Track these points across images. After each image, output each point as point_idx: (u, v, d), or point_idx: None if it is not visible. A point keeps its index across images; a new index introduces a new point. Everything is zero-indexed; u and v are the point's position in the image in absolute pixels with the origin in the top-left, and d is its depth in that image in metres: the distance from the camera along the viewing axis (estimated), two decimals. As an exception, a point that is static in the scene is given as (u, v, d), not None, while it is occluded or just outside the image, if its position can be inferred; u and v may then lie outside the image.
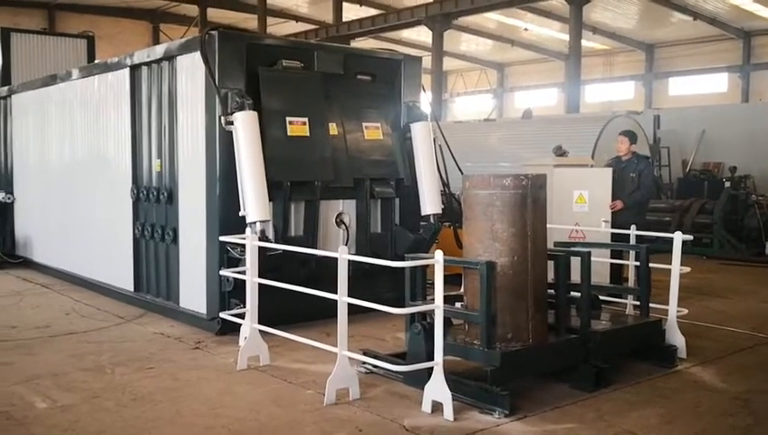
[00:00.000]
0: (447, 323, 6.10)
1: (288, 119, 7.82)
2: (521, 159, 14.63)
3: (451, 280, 7.02)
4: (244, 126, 7.39)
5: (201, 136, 7.87)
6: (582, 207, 9.50)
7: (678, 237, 7.05)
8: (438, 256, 5.37)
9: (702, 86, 33.79)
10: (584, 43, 25.18)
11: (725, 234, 13.95)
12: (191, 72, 8.05)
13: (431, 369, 5.45)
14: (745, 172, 17.24)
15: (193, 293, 8.09)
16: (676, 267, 7.04)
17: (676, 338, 6.91)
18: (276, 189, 7.63)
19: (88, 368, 6.55)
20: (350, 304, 5.66)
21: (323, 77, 8.27)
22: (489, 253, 5.72)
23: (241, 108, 7.43)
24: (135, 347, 7.28)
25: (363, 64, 8.72)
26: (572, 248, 6.61)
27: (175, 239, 8.40)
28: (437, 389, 5.36)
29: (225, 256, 7.56)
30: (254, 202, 7.28)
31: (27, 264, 12.37)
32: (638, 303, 7.61)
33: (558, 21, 30.21)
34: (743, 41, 32.80)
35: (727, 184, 16.59)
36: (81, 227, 10.58)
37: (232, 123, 7.45)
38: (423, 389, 5.59)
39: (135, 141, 9.11)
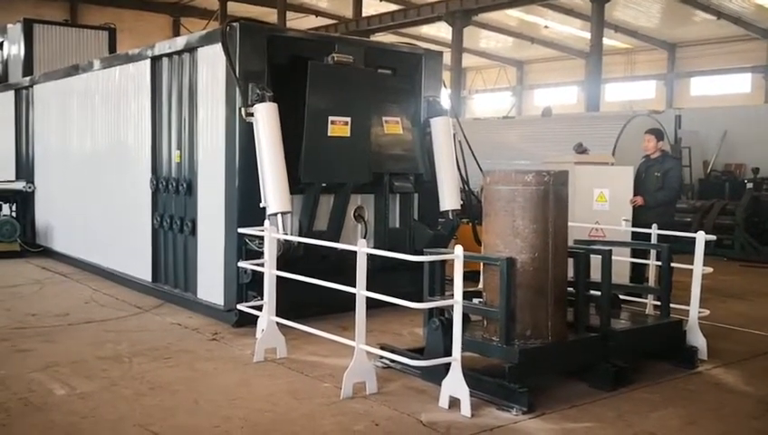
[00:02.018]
0: (465, 319, 6.04)
1: (331, 118, 7.72)
2: (540, 157, 14.49)
3: (469, 276, 7.01)
4: (265, 117, 7.37)
5: (221, 127, 7.87)
6: (603, 205, 9.42)
7: (701, 237, 6.96)
8: (458, 251, 5.33)
9: (725, 86, 33.38)
10: (605, 41, 24.99)
11: (747, 236, 13.79)
12: (212, 64, 8.05)
13: (449, 364, 5.42)
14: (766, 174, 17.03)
15: (211, 284, 8.10)
16: (698, 268, 6.95)
17: (698, 339, 6.83)
18: (307, 186, 7.67)
19: (106, 356, 6.58)
20: (367, 299, 5.63)
21: (374, 74, 8.19)
22: (510, 249, 5.67)
23: (262, 99, 7.42)
24: (153, 337, 7.30)
25: (384, 58, 8.68)
26: (593, 246, 6.53)
27: (193, 231, 8.41)
28: (455, 384, 5.32)
29: (244, 248, 7.56)
30: (274, 193, 7.27)
31: (47, 253, 12.45)
32: (658, 303, 7.58)
33: (579, 18, 29.97)
34: (767, 41, 32.39)
35: (749, 185, 16.44)
36: (100, 217, 10.64)
37: (252, 115, 7.44)
38: (440, 384, 5.56)
39: (155, 132, 9.14)
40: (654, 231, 7.89)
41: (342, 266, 7.45)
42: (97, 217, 10.73)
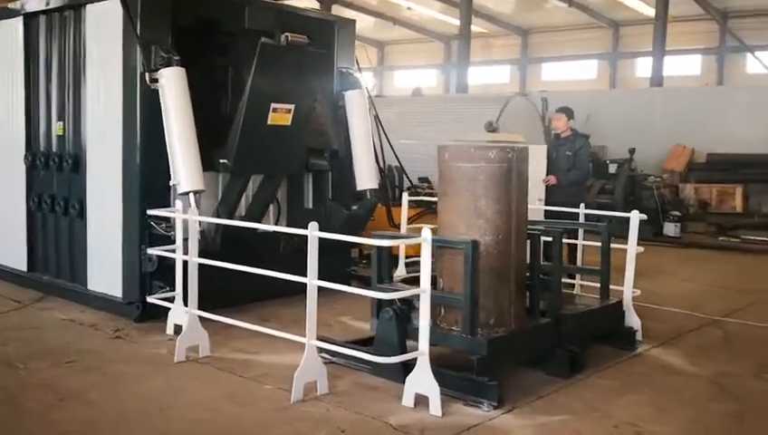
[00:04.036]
0: (411, 307, 5.58)
1: (273, 105, 6.89)
2: (415, 136, 14.28)
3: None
4: (173, 84, 6.52)
5: (117, 95, 6.88)
6: (515, 185, 9.20)
7: (635, 217, 6.86)
8: (426, 234, 4.83)
9: (573, 72, 34.79)
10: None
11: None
12: (104, 23, 7.04)
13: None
14: (626, 156, 17.70)
15: (105, 274, 7.13)
16: (632, 248, 6.85)
17: (634, 320, 6.72)
18: (233, 175, 6.99)
19: (-6, 363, 5.56)
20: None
21: (322, 56, 7.56)
22: (472, 231, 5.22)
23: (168, 64, 6.56)
24: (45, 336, 6.31)
25: (295, 24, 7.91)
26: (545, 228, 6.22)
27: (81, 213, 7.36)
28: (423, 381, 4.84)
29: (147, 233, 6.69)
30: (185, 170, 6.45)
31: None
32: (584, 283, 7.49)
33: (440, 1, 30.13)
34: (612, 30, 34.03)
35: (612, 167, 17.06)
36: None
37: (157, 81, 6.56)
38: (391, 379, 5.21)
39: (29, 101, 7.95)
40: (582, 211, 7.74)
41: (259, 252, 6.83)
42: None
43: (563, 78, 34.44)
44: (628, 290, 6.83)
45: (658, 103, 21.14)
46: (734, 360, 6.35)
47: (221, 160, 6.98)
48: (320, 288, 5.01)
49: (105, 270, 7.13)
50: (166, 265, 6.48)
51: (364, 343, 5.69)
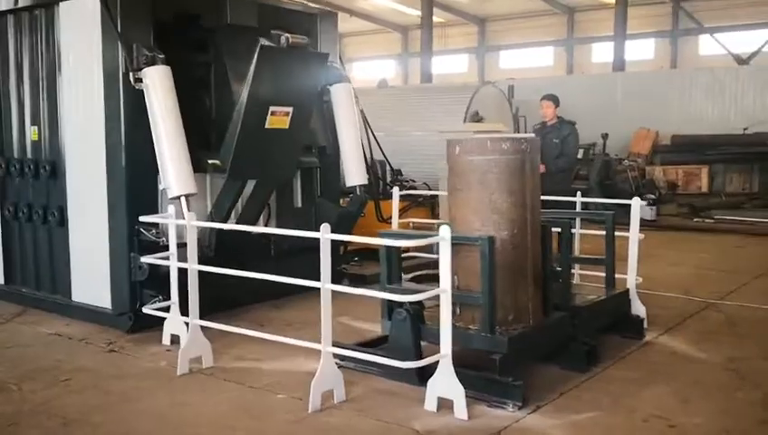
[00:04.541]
0: (422, 307, 5.41)
1: (271, 108, 6.54)
2: (383, 129, 14.10)
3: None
4: (158, 84, 6.23)
5: (98, 96, 6.54)
6: (503, 174, 9.08)
7: (636, 203, 6.80)
8: (445, 232, 4.65)
9: (531, 59, 34.89)
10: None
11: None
12: (79, 21, 6.71)
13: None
14: (591, 140, 17.75)
15: (91, 284, 6.81)
16: (634, 234, 6.79)
17: (639, 308, 6.65)
18: (229, 180, 6.71)
19: (-15, 386, 5.23)
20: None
21: (321, 56, 7.35)
22: (487, 226, 5.06)
23: (152, 62, 6.26)
24: (34, 354, 5.97)
25: (278, 17, 7.67)
26: (552, 218, 6.09)
27: (62, 221, 7.02)
28: (447, 384, 4.66)
29: (136, 240, 6.40)
30: (176, 173, 6.16)
31: None
32: (583, 272, 7.42)
33: (395, -9, 29.98)
34: (567, 16, 34.20)
35: (579, 151, 17.07)
36: None
37: (141, 81, 6.25)
38: (407, 382, 5.08)
39: (0, 105, 7.56)
40: (578, 199, 7.65)
41: (249, 256, 6.69)
42: None
43: (521, 66, 34.50)
44: (632, 277, 6.77)
45: (620, 87, 21.29)
46: (740, 344, 6.31)
47: (210, 161, 6.71)
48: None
49: (91, 280, 6.81)
50: (156, 273, 6.23)
51: (370, 345, 5.52)
